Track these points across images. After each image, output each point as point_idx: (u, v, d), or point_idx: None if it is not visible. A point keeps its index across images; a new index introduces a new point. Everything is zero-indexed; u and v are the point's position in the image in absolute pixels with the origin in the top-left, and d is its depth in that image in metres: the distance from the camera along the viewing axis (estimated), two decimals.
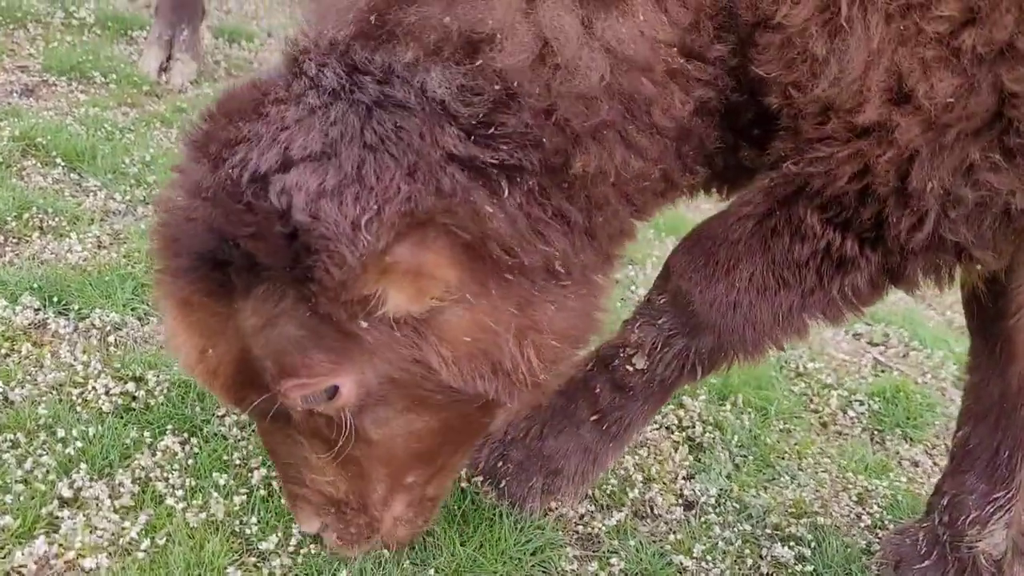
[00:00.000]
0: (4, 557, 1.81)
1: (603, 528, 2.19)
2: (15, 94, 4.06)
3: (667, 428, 2.64)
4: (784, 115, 1.66)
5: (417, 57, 1.48)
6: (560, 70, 1.50)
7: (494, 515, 2.11)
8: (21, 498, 1.93)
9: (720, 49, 1.62)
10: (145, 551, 1.84)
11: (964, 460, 2.17)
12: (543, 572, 2.04)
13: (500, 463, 2.17)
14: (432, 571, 1.94)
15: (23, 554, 1.81)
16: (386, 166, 1.43)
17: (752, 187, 1.83)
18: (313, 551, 1.94)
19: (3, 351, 2.35)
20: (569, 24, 1.49)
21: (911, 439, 2.89)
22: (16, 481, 1.96)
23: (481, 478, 2.17)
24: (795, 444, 2.71)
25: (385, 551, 1.93)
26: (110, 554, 1.84)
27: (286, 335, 1.51)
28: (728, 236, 1.82)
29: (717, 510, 2.34)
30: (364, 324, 1.50)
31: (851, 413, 2.95)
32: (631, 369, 1.98)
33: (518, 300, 1.61)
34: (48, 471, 2.00)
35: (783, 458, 2.63)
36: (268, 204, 1.40)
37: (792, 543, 2.25)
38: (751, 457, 2.59)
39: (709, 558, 2.15)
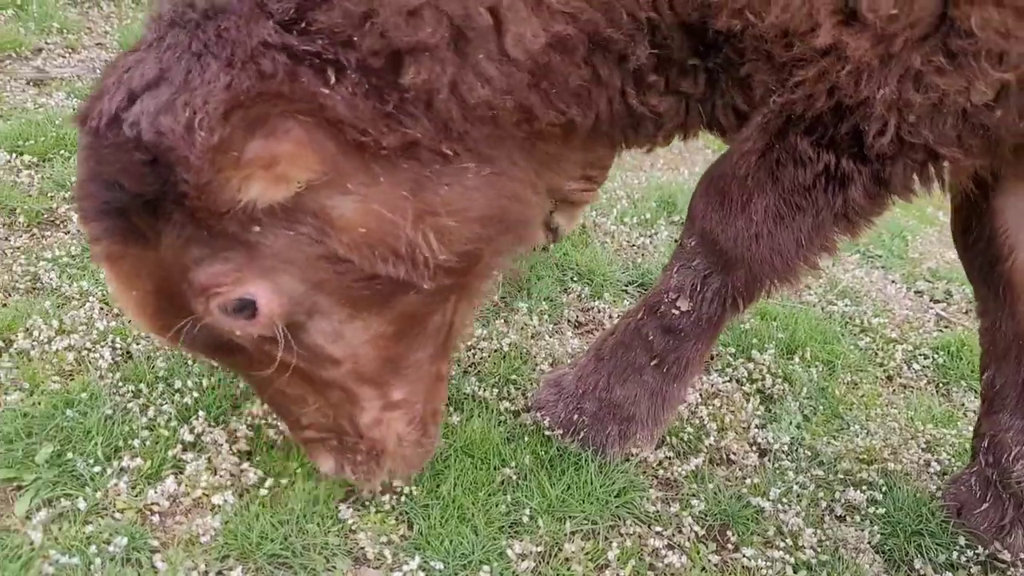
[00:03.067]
0: (137, 495, 1.99)
1: (682, 472, 2.31)
2: (98, 71, 4.24)
3: (737, 380, 2.74)
4: (749, 42, 1.72)
5: None
6: None
7: (579, 461, 2.24)
8: (147, 443, 2.10)
9: None
10: (268, 489, 2.00)
11: (995, 401, 2.27)
12: (627, 512, 2.16)
13: (576, 415, 2.29)
14: (527, 511, 2.08)
15: (155, 492, 1.98)
16: (208, 65, 1.51)
17: (748, 125, 1.91)
18: (416, 492, 2.08)
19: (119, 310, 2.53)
20: None
21: (976, 391, 2.95)
22: (142, 428, 2.14)
23: (560, 431, 2.30)
24: (862, 396, 2.80)
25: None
26: (234, 492, 2.00)
27: (192, 256, 1.62)
28: (736, 173, 1.91)
29: (790, 457, 2.44)
30: (257, 229, 1.60)
31: (916, 367, 3.02)
32: (677, 312, 2.11)
33: (410, 184, 1.66)
34: (169, 418, 2.17)
35: (851, 409, 2.71)
36: (123, 138, 1.51)
37: (864, 487, 2.34)
38: (820, 408, 2.68)
39: (785, 500, 2.26)
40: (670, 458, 2.36)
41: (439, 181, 1.69)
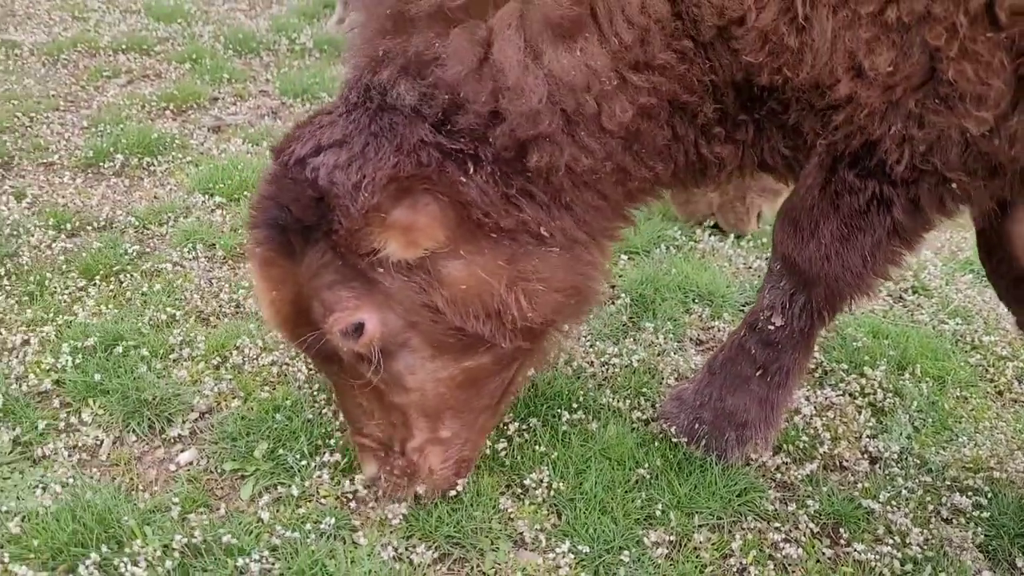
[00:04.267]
0: (337, 484, 2.42)
1: (798, 476, 2.59)
2: (265, 116, 4.82)
3: (850, 394, 2.98)
4: (791, 94, 2.01)
5: (392, 75, 1.96)
6: (508, 91, 1.90)
7: (704, 464, 2.55)
8: (341, 442, 2.54)
9: (664, 57, 1.95)
10: None
11: None
12: (748, 509, 2.45)
13: (696, 424, 2.59)
14: (659, 506, 2.41)
15: (351, 482, 2.42)
16: (381, 147, 1.92)
17: (807, 165, 2.20)
18: (563, 487, 2.44)
19: None
20: (513, 55, 1.89)
21: None
22: (336, 429, 2.58)
23: (685, 439, 2.62)
24: (972, 410, 2.98)
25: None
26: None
27: (326, 280, 2.01)
28: (803, 205, 2.22)
29: (900, 464, 2.67)
30: (380, 271, 1.99)
31: None
32: (773, 327, 2.41)
33: (507, 256, 2.04)
34: None
35: (960, 422, 2.91)
36: (303, 177, 1.94)
37: (970, 493, 2.55)
38: (930, 420, 2.89)
39: (894, 503, 2.50)
40: (787, 463, 2.63)
41: (532, 255, 2.08)
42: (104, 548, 2.10)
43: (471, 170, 1.97)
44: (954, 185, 2.04)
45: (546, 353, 2.43)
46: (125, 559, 2.08)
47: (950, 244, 4.18)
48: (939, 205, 2.12)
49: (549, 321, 2.18)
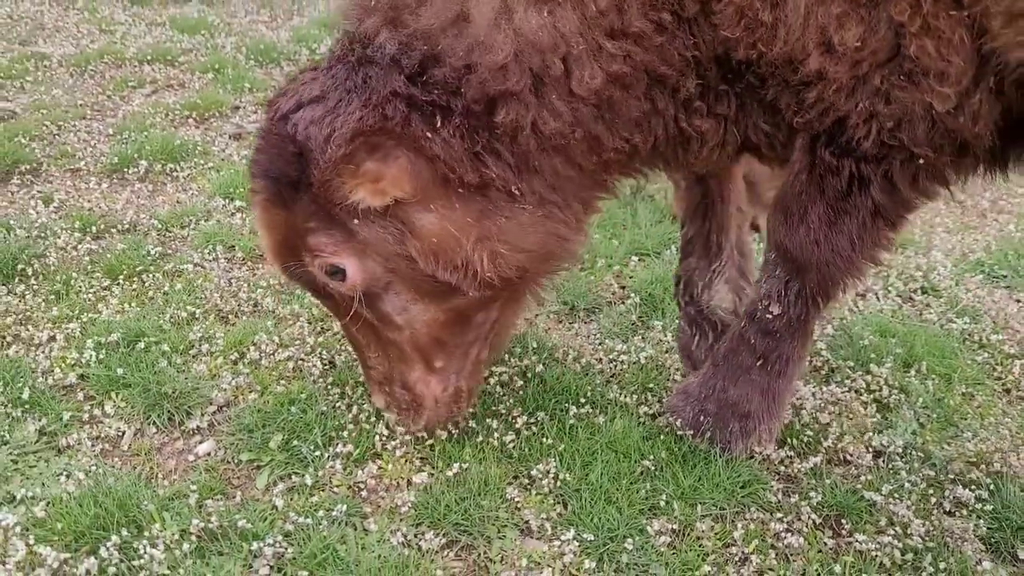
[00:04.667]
0: (349, 475, 2.50)
1: (801, 469, 2.62)
2: None
3: (856, 391, 3.01)
4: (766, 68, 2.04)
5: (376, 24, 2.05)
6: (478, 44, 1.97)
7: (709, 456, 2.59)
8: (353, 434, 2.61)
9: (640, 25, 1.98)
10: (455, 472, 2.47)
11: (686, 248, 2.91)
12: (752, 501, 2.49)
13: (701, 417, 2.63)
14: (663, 496, 2.45)
15: (363, 472, 2.49)
16: (351, 101, 2.01)
17: (795, 152, 2.24)
18: (569, 478, 2.50)
19: (323, 327, 3.09)
20: (487, 11, 1.96)
21: None
22: (348, 422, 2.66)
23: (691, 431, 2.66)
24: (977, 407, 3.00)
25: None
26: (428, 474, 2.48)
27: (310, 226, 2.17)
28: (792, 191, 2.27)
29: (903, 459, 2.70)
30: (357, 221, 2.13)
31: None
32: (771, 316, 2.44)
33: (477, 212, 2.12)
34: (369, 415, 2.68)
35: (965, 418, 2.93)
36: (285, 132, 2.07)
37: (973, 486, 2.58)
38: (935, 416, 2.91)
39: (896, 496, 2.53)
40: (791, 456, 2.67)
41: (500, 214, 2.15)
42: (124, 532, 2.18)
43: (438, 124, 2.04)
44: (922, 161, 2.08)
45: (523, 299, 2.51)
46: (144, 542, 2.16)
47: (961, 246, 4.20)
48: (912, 183, 2.16)
49: (514, 277, 2.25)
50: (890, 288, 3.72)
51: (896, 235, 2.34)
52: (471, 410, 2.71)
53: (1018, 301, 3.76)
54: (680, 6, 1.98)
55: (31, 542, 2.14)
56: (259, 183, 2.20)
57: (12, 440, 2.52)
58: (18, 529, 2.18)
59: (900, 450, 2.73)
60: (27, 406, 2.65)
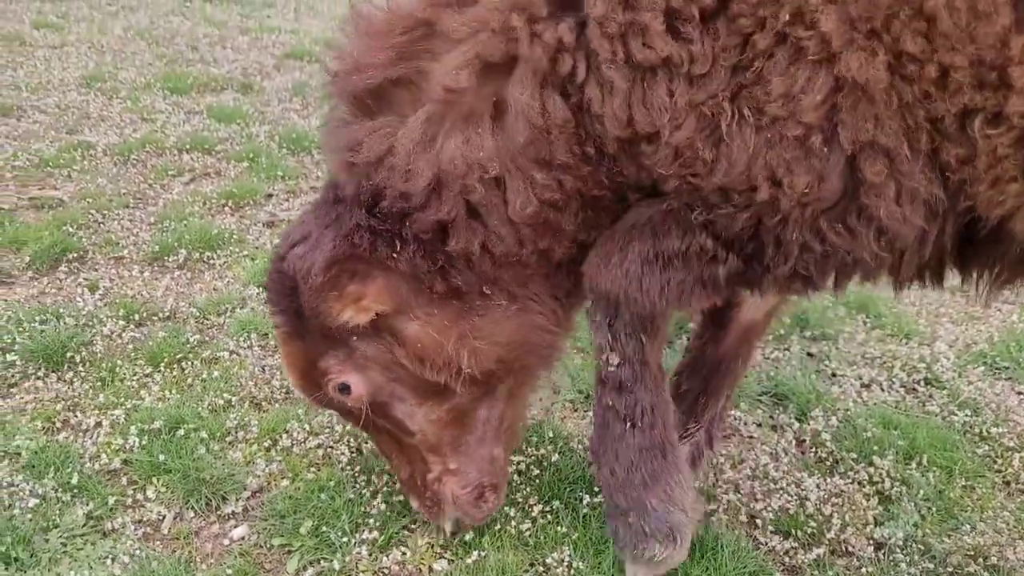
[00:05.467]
0: (374, 560, 2.65)
1: (805, 560, 2.75)
2: None
3: (859, 483, 3.14)
4: (686, 189, 2.01)
5: (337, 168, 2.26)
6: (404, 173, 2.12)
7: (716, 547, 2.72)
8: (379, 520, 2.77)
9: (565, 158, 2.05)
10: (473, 560, 2.62)
11: (676, 399, 2.70)
12: None
13: (628, 518, 2.43)
14: None
15: (387, 559, 2.64)
16: (327, 236, 2.22)
17: (653, 199, 2.16)
18: (582, 567, 2.64)
19: None
20: (408, 141, 2.09)
21: None
22: (374, 508, 2.82)
23: (632, 546, 2.46)
24: (977, 499, 3.12)
25: None
26: (448, 561, 2.63)
27: (318, 351, 2.37)
28: (622, 226, 2.19)
29: (904, 551, 2.82)
30: (355, 339, 2.33)
31: None
32: (614, 367, 2.35)
33: (453, 315, 2.29)
34: (395, 502, 2.84)
35: (965, 511, 3.05)
36: (283, 270, 2.30)
37: None
38: (935, 509, 3.03)
39: None
40: (795, 547, 2.80)
41: (475, 313, 2.32)
42: None
43: (399, 248, 2.23)
44: (800, 284, 2.12)
45: (522, 392, 2.63)
46: None
47: (965, 336, 4.34)
48: (769, 291, 2.21)
49: (495, 370, 2.39)
50: (894, 379, 3.86)
51: (706, 304, 2.29)
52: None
53: (1019, 393, 3.88)
54: (603, 143, 2.05)
55: None
56: (276, 317, 2.41)
57: (62, 524, 2.70)
58: None
59: (901, 542, 2.85)
60: (75, 490, 2.84)
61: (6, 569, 2.50)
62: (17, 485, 2.83)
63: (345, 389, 2.40)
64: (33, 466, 2.93)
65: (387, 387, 2.42)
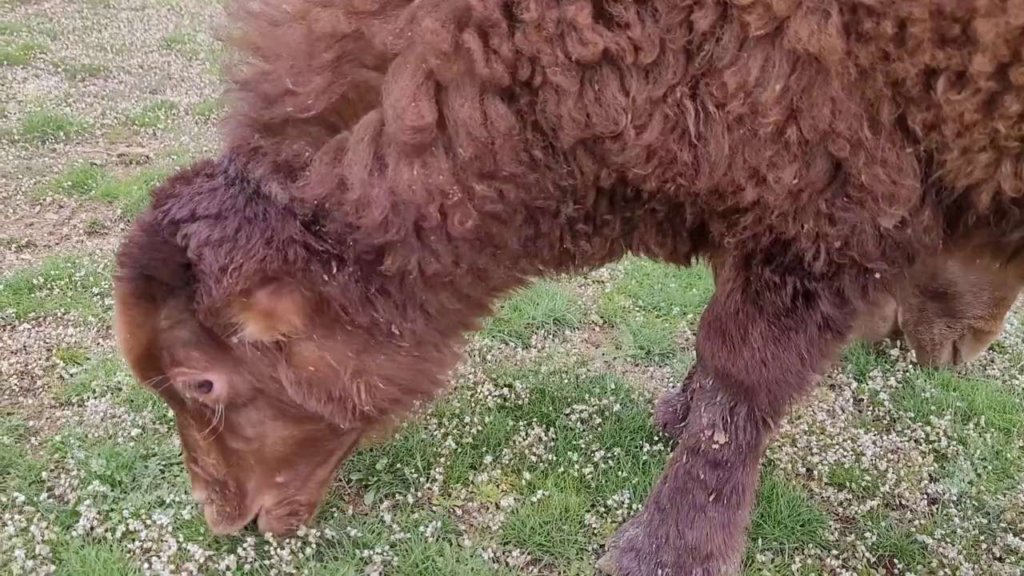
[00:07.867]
0: (444, 496, 2.82)
1: (859, 511, 2.84)
2: None
3: (915, 441, 3.21)
4: (686, 198, 1.97)
5: (264, 174, 2.00)
6: (357, 203, 1.92)
7: (772, 495, 2.83)
8: (449, 459, 2.94)
9: (511, 168, 1.89)
10: (538, 498, 2.78)
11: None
12: (810, 538, 2.72)
13: (659, 571, 2.43)
14: None
15: (457, 494, 2.82)
16: (253, 235, 1.95)
17: (725, 268, 2.20)
18: (641, 509, 2.77)
19: None
20: (359, 171, 1.88)
21: None
22: (445, 448, 2.99)
23: None
24: None
25: None
26: (514, 499, 2.80)
27: (181, 336, 2.10)
28: (728, 311, 2.19)
29: (958, 506, 2.89)
30: (235, 340, 2.07)
31: None
32: (717, 446, 2.31)
33: (356, 348, 2.11)
34: (462, 446, 3.02)
35: (1021, 471, 3.10)
36: (175, 241, 1.99)
37: (1023, 535, 2.75)
38: (991, 468, 3.08)
39: (948, 540, 2.73)
40: (849, 499, 2.89)
41: (380, 351, 2.16)
42: (251, 538, 2.55)
43: (334, 270, 2.03)
44: (877, 275, 2.04)
45: (380, 432, 2.57)
46: (274, 544, 2.52)
47: None
48: (863, 295, 2.09)
49: (386, 410, 2.29)
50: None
51: (844, 345, 2.24)
52: (551, 443, 3.02)
53: None
54: (555, 139, 1.89)
55: (181, 540, 2.53)
56: (127, 272, 2.08)
57: (160, 452, 2.93)
58: (170, 528, 2.58)
59: (955, 498, 2.92)
60: (172, 423, 3.06)
61: (112, 490, 2.74)
62: (119, 416, 3.08)
63: (204, 386, 2.17)
64: (132, 400, 3.18)
65: (248, 395, 2.21)
